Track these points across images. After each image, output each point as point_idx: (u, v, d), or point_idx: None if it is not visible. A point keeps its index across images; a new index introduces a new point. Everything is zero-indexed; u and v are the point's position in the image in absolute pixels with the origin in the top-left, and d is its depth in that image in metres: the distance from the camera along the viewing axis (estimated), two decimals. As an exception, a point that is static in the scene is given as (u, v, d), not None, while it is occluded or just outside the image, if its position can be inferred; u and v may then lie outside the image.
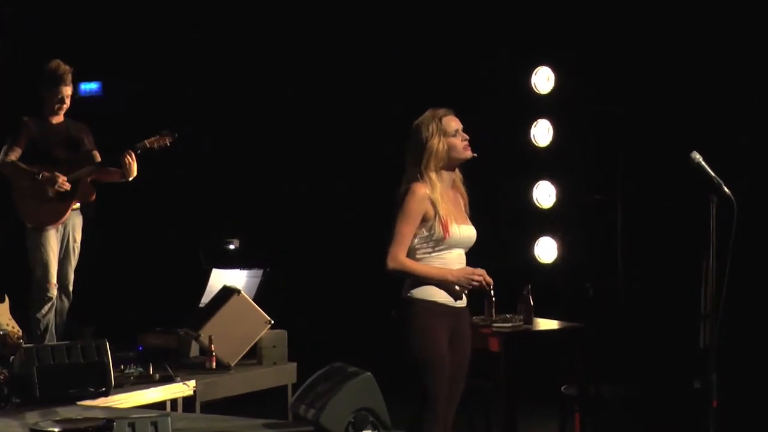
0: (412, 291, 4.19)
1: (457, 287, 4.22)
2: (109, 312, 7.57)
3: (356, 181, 7.75)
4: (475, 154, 4.29)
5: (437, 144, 4.19)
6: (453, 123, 4.25)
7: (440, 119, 4.22)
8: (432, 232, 4.17)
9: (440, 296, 4.19)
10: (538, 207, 7.10)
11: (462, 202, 4.35)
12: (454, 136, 4.23)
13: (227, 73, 8.23)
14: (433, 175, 4.19)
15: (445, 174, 4.24)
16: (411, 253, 4.20)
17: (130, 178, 6.13)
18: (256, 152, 8.21)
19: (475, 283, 4.21)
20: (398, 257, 4.15)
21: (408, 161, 4.25)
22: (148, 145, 6.14)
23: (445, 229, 4.15)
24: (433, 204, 4.15)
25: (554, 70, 7.01)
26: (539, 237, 7.09)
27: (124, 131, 6.77)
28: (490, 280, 4.25)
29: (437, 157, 4.20)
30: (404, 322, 4.18)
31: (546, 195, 7.08)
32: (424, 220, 4.17)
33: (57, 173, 6.02)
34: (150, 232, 8.37)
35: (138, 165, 6.14)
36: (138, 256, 8.37)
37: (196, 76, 8.27)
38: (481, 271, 4.23)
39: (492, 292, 5.89)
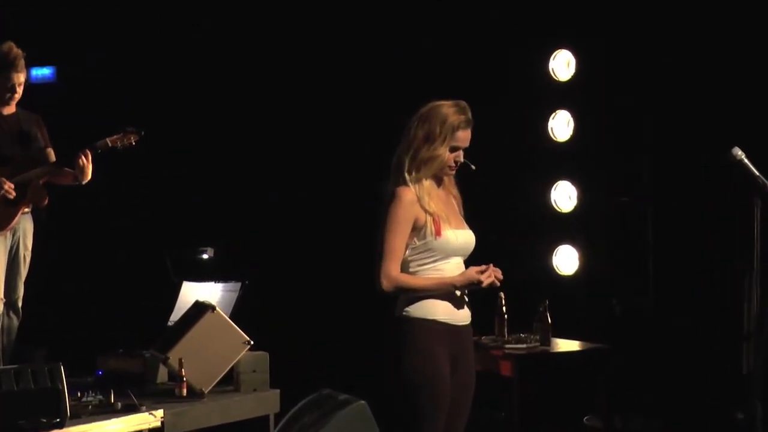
0: (408, 308, 4.21)
1: (465, 297, 4.22)
2: (63, 331, 7.56)
3: (347, 184, 7.74)
4: (474, 167, 4.31)
5: (442, 155, 4.22)
6: (462, 138, 4.25)
7: (456, 128, 4.23)
8: (425, 240, 4.19)
9: (441, 313, 4.20)
10: (557, 211, 7.10)
11: (455, 203, 4.37)
12: (454, 152, 4.25)
13: (202, 63, 8.21)
14: (420, 179, 4.20)
15: (431, 180, 4.26)
16: (403, 267, 4.22)
17: (84, 182, 6.14)
18: (233, 149, 8.20)
19: (485, 283, 4.20)
20: (392, 274, 4.17)
21: (400, 150, 4.26)
22: (110, 144, 6.16)
23: (438, 232, 4.16)
24: (423, 207, 4.17)
25: (575, 54, 7.01)
26: (558, 245, 7.08)
27: (81, 124, 6.77)
28: (500, 274, 4.24)
29: (431, 167, 4.23)
30: (398, 343, 4.18)
31: (566, 197, 7.07)
32: (415, 227, 4.19)
33: (2, 178, 6.03)
34: (111, 239, 8.36)
35: (96, 165, 6.15)
36: (97, 266, 8.35)
37: (166, 63, 8.26)
38: (485, 267, 4.22)
39: (504, 308, 5.92)
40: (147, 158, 7.87)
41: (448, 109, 4.24)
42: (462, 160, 4.28)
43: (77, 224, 8.18)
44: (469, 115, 4.26)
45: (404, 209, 4.16)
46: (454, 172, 4.30)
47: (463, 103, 4.27)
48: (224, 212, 8.15)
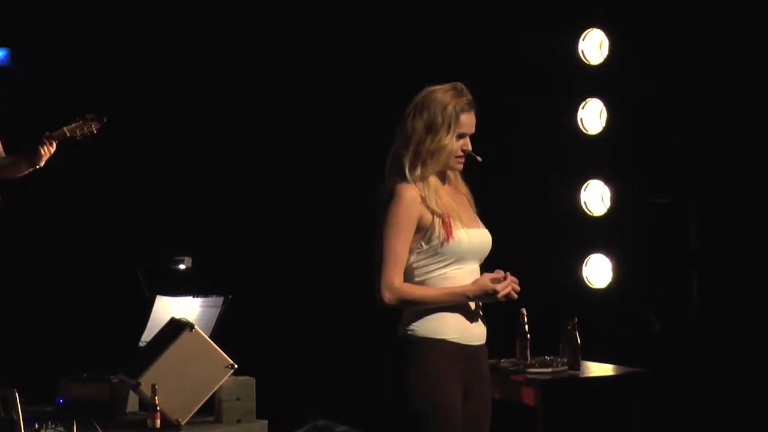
0: (413, 326, 4.19)
1: (480, 311, 4.23)
2: (19, 353, 7.57)
3: (341, 184, 7.74)
4: (480, 159, 4.31)
5: (449, 145, 4.21)
6: (467, 123, 4.26)
7: (459, 113, 4.24)
8: (432, 243, 4.17)
9: (452, 332, 4.19)
10: (587, 214, 7.10)
11: (466, 200, 4.37)
12: (461, 140, 4.26)
13: (179, 52, 8.21)
14: (424, 177, 4.19)
15: (434, 177, 4.25)
16: (407, 275, 4.20)
17: (40, 166, 6.21)
18: (213, 147, 8.19)
19: (501, 294, 4.19)
20: (394, 284, 4.15)
21: (396, 147, 4.26)
22: (68, 134, 6.21)
23: (449, 234, 4.16)
24: (428, 205, 4.16)
25: (608, 34, 7.02)
26: (588, 254, 7.09)
27: (37, 111, 6.78)
28: (517, 286, 4.22)
29: (438, 160, 4.22)
30: (403, 367, 4.17)
31: (598, 198, 7.08)
32: (420, 228, 4.17)
33: None
34: (73, 248, 8.36)
35: (56, 159, 6.21)
36: (57, 279, 8.36)
37: (139, 44, 8.26)
38: (501, 275, 4.20)
39: (526, 326, 5.92)
40: (114, 157, 7.90)
41: (444, 93, 4.24)
42: (470, 148, 4.27)
43: (35, 231, 8.19)
44: (470, 96, 4.26)
45: (406, 208, 4.14)
46: (462, 163, 4.29)
47: (460, 85, 4.27)
48: (203, 217, 8.15)
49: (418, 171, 4.19)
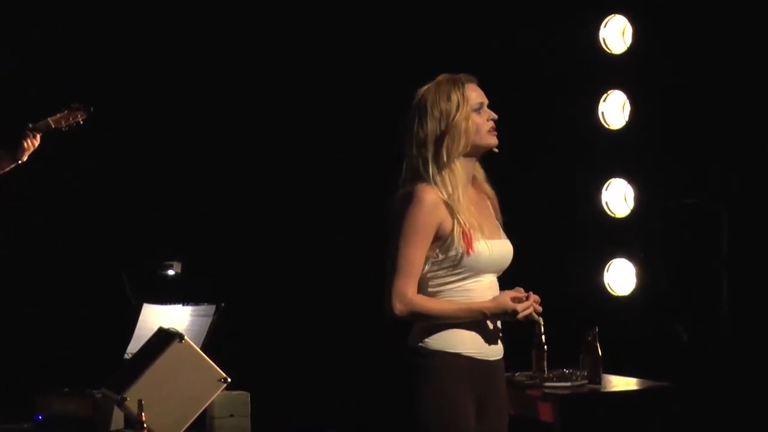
0: (426, 339, 4.18)
1: (497, 324, 4.20)
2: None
3: (344, 182, 7.74)
4: (496, 149, 4.28)
5: (463, 122, 4.19)
6: (475, 93, 4.26)
7: (463, 88, 4.22)
8: (450, 254, 4.16)
9: (467, 346, 4.18)
10: (610, 215, 7.10)
11: (489, 205, 4.34)
12: (477, 111, 4.22)
13: (171, 40, 8.22)
14: (451, 168, 4.17)
15: (461, 167, 4.22)
16: (421, 286, 4.19)
17: (23, 161, 6.23)
18: (207, 144, 8.20)
19: (521, 314, 4.17)
20: (407, 295, 4.13)
21: (407, 148, 4.24)
22: (53, 125, 6.23)
23: (469, 245, 4.13)
24: (451, 211, 4.13)
25: (632, 20, 7.01)
26: (610, 258, 7.09)
27: (17, 104, 6.78)
28: (539, 307, 4.23)
29: (460, 142, 4.19)
30: (412, 382, 4.17)
31: (620, 199, 7.08)
32: (438, 237, 4.15)
33: None
34: (54, 252, 8.35)
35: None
36: (36, 285, 8.34)
37: (127, 34, 8.26)
38: (523, 294, 4.20)
39: (543, 337, 5.88)
40: (97, 153, 7.89)
41: (438, 85, 4.25)
42: (496, 116, 4.23)
43: (12, 233, 8.17)
44: (467, 74, 4.26)
45: (426, 213, 4.12)
46: (495, 135, 4.24)
47: (447, 74, 4.27)
48: (194, 219, 8.15)
49: (445, 158, 4.15)
